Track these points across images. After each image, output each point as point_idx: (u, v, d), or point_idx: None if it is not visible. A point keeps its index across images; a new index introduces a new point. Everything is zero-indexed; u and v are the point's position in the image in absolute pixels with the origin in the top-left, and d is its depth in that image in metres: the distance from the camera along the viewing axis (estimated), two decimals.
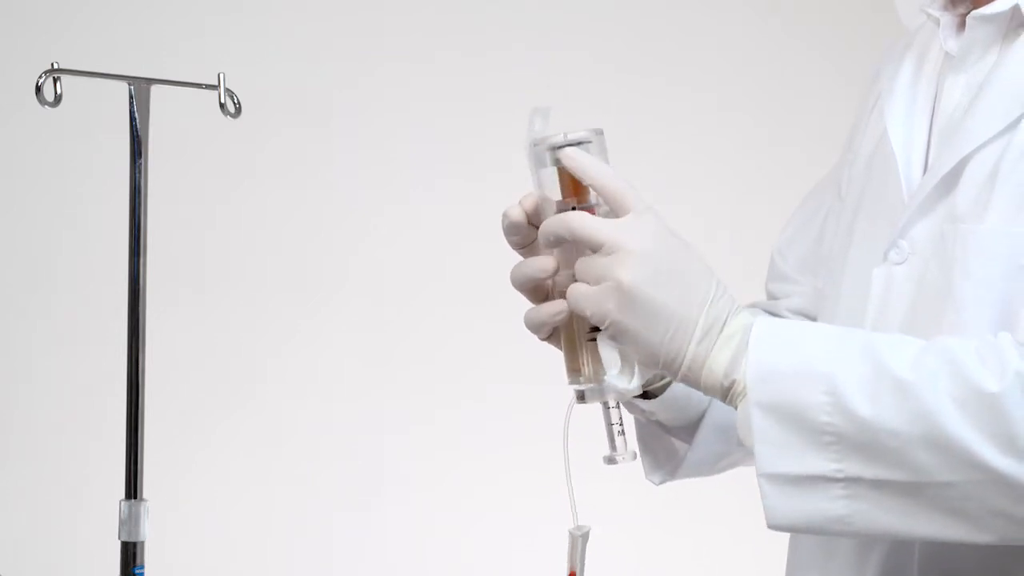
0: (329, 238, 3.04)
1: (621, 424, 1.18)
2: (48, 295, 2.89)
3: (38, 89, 1.81)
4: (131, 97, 1.84)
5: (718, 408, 1.34)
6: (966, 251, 1.18)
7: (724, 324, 1.14)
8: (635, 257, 1.12)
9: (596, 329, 1.16)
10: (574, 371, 1.18)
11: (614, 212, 1.14)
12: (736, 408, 1.14)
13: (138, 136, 1.84)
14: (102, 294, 2.65)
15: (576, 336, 1.18)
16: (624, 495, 2.48)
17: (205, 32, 2.95)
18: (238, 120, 1.93)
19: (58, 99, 1.81)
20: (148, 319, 1.84)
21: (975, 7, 1.26)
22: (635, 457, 1.19)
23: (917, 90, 1.30)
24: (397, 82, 3.08)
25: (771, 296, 1.49)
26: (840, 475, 1.10)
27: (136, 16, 2.92)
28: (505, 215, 1.19)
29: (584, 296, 1.13)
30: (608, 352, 1.16)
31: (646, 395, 1.32)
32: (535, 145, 1.16)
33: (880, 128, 1.33)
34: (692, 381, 1.15)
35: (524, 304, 1.20)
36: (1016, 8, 1.23)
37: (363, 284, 3.05)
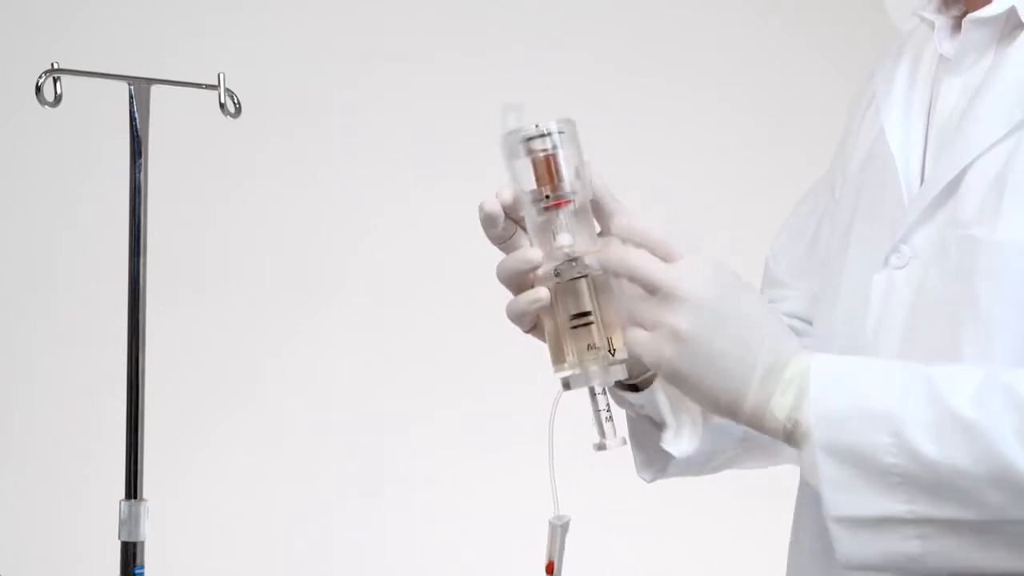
0: (329, 238, 3.04)
1: (608, 410, 1.18)
2: (48, 295, 2.89)
3: (38, 89, 1.81)
4: (131, 97, 1.84)
5: None
6: (980, 260, 1.17)
7: (784, 367, 1.13)
8: (691, 303, 1.12)
9: (578, 315, 1.16)
10: (559, 360, 1.18)
11: (664, 260, 1.14)
12: (799, 450, 1.14)
13: (138, 136, 1.84)
14: (102, 294, 2.65)
15: (558, 324, 1.18)
16: (620, 493, 2.48)
17: (205, 32, 2.95)
18: (238, 120, 1.93)
19: (58, 99, 1.81)
20: (148, 319, 1.84)
21: (969, 10, 1.25)
22: (624, 443, 1.19)
23: (913, 93, 1.29)
24: (397, 82, 3.08)
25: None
26: (911, 516, 1.10)
27: (136, 16, 2.92)
28: (481, 207, 1.19)
29: (640, 343, 1.13)
30: (664, 410, 1.17)
31: (634, 388, 1.31)
32: (508, 136, 1.17)
33: (874, 131, 1.32)
34: (756, 425, 1.14)
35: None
36: (1012, 10, 1.22)
37: (363, 284, 3.05)
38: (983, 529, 1.09)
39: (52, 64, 1.82)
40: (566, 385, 1.18)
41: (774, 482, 2.87)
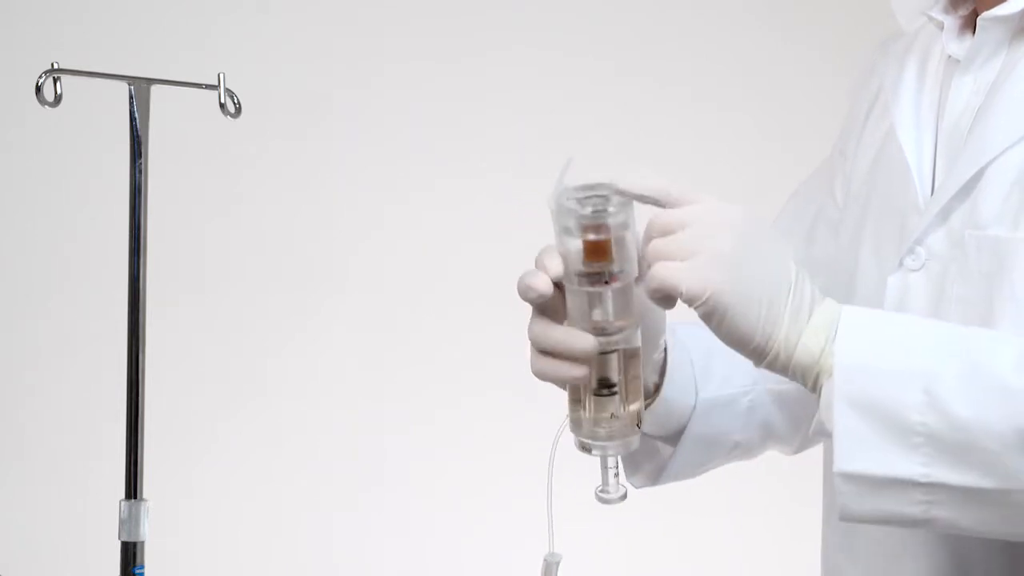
0: (329, 238, 3.04)
1: (617, 468, 1.17)
2: (48, 295, 2.89)
3: (38, 89, 1.81)
4: (131, 97, 1.84)
5: (700, 420, 1.33)
6: (1006, 260, 1.16)
7: (812, 309, 1.10)
8: (729, 228, 1.08)
9: (605, 385, 1.15)
10: (577, 423, 1.17)
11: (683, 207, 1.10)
12: (817, 393, 1.11)
13: (138, 136, 1.84)
14: (102, 294, 2.65)
15: (584, 388, 1.15)
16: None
17: (205, 32, 2.95)
18: (238, 120, 1.93)
19: (58, 99, 1.81)
20: (148, 319, 1.84)
21: (980, 8, 1.24)
22: (625, 498, 1.18)
23: (922, 94, 1.29)
24: (397, 82, 3.08)
25: None
26: (925, 479, 1.07)
27: (136, 16, 2.92)
28: (532, 287, 1.12)
29: (679, 271, 1.07)
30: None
31: None
32: (563, 210, 1.11)
33: (881, 132, 1.32)
34: (778, 367, 1.11)
35: (525, 304, 1.18)
36: None
37: (363, 284, 3.05)
38: (996, 500, 1.07)
39: (52, 64, 1.82)
40: (582, 448, 1.16)
41: (770, 483, 2.87)
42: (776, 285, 1.09)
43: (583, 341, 1.12)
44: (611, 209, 1.10)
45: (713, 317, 1.09)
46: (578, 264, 1.11)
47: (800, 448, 1.42)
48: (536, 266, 1.13)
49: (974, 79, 1.24)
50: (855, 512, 1.10)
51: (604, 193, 1.10)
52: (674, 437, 1.34)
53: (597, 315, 1.12)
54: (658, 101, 3.23)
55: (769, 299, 1.09)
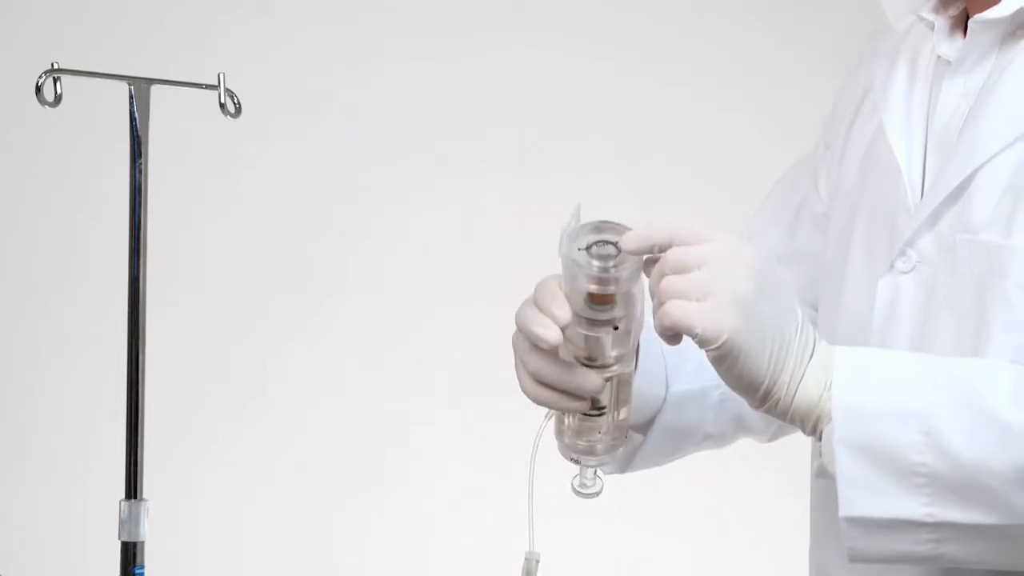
0: (329, 238, 3.04)
1: (596, 467, 1.18)
2: (48, 295, 2.89)
3: (38, 89, 1.81)
4: (131, 97, 1.83)
5: (670, 412, 1.34)
6: (997, 265, 1.16)
7: (813, 350, 1.10)
8: (744, 267, 1.07)
9: (593, 407, 1.15)
10: (561, 432, 1.18)
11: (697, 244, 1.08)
12: (817, 437, 1.12)
13: (138, 136, 1.84)
14: (102, 294, 2.65)
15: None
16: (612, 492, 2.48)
17: (205, 32, 2.95)
18: (238, 120, 1.92)
19: (58, 99, 1.81)
20: (148, 319, 1.84)
21: (971, 10, 1.24)
22: (600, 493, 1.19)
23: (912, 95, 1.28)
24: (397, 82, 3.08)
25: None
26: (930, 519, 1.08)
27: (136, 16, 2.92)
28: (542, 339, 1.11)
29: (695, 312, 1.06)
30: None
31: None
32: (569, 260, 1.10)
33: (870, 131, 1.31)
34: (780, 411, 1.11)
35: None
36: (1019, 11, 1.20)
37: (363, 284, 3.05)
38: (1002, 534, 1.07)
39: (52, 64, 1.82)
40: (569, 460, 1.18)
41: (754, 476, 2.87)
42: (786, 326, 1.09)
43: (591, 382, 1.13)
44: (619, 265, 1.09)
45: (726, 360, 1.08)
46: (584, 309, 1.11)
47: (773, 437, 1.42)
48: (540, 308, 1.12)
49: (964, 81, 1.24)
50: (863, 554, 1.11)
51: (613, 240, 1.09)
52: (644, 426, 1.33)
53: (596, 351, 1.12)
54: (658, 101, 3.23)
55: (780, 341, 1.08)
